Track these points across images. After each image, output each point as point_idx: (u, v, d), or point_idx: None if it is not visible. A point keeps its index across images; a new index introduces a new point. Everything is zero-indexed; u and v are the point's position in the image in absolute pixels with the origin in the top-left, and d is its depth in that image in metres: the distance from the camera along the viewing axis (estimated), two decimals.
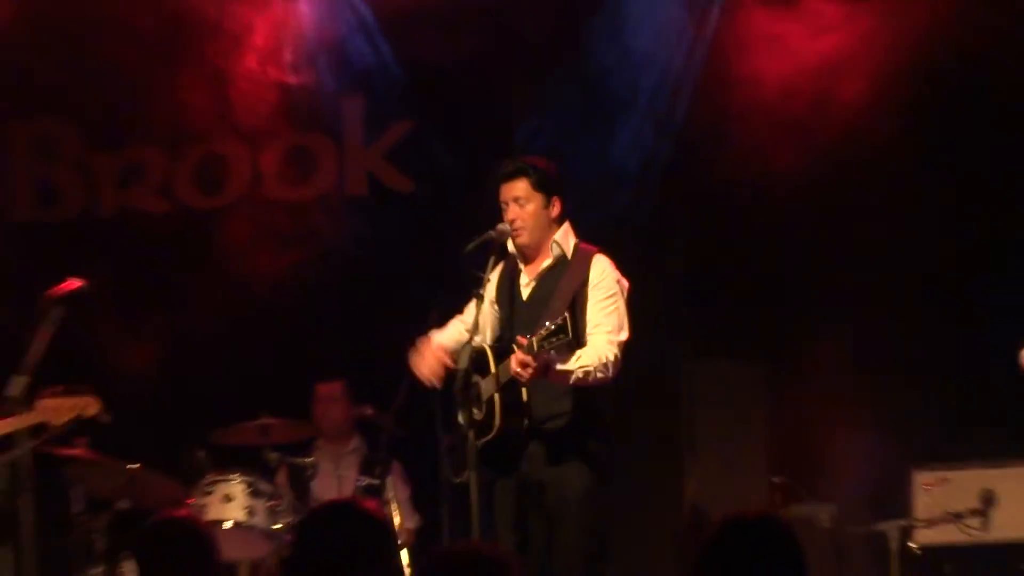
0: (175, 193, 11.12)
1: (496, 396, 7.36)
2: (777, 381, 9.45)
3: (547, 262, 7.60)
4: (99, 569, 8.77)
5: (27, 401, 7.69)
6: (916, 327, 9.23)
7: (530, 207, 7.51)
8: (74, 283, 7.96)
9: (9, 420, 7.77)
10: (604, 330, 7.38)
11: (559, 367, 7.12)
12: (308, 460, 9.45)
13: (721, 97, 9.89)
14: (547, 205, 7.54)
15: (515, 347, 7.17)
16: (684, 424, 9.33)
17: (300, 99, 10.71)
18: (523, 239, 7.57)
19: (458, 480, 7.45)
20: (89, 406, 7.83)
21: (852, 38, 9.46)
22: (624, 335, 7.44)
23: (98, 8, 10.36)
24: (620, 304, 7.48)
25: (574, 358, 7.23)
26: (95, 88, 10.81)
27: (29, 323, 7.86)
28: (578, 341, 7.32)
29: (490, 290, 7.71)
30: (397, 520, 9.05)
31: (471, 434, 7.48)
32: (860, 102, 9.38)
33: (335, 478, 9.58)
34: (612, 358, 7.32)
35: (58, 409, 7.73)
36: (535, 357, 6.96)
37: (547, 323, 6.97)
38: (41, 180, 11.21)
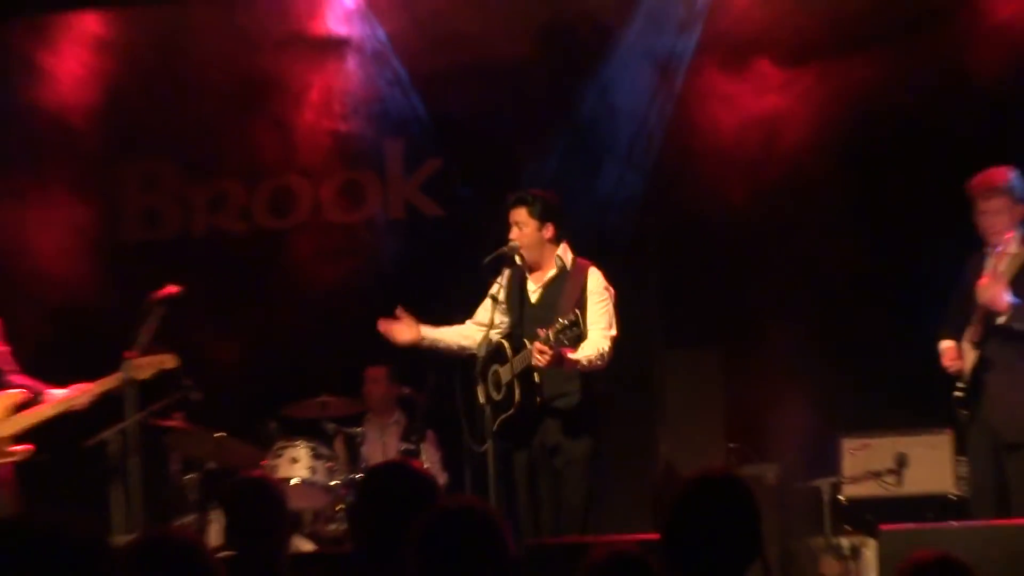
0: (253, 217, 11.18)
1: (514, 380, 7.48)
2: (731, 366, 9.50)
3: (551, 272, 7.70)
4: (192, 517, 8.85)
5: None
6: (844, 323, 9.30)
7: (527, 229, 7.65)
8: (172, 288, 8.12)
9: (105, 379, 8.03)
10: (599, 327, 7.50)
11: (570, 356, 7.25)
12: (358, 430, 9.55)
13: (686, 143, 9.96)
14: (540, 228, 7.64)
15: (536, 339, 7.27)
16: (658, 400, 9.36)
17: (350, 142, 10.76)
18: (522, 253, 7.71)
19: (480, 450, 7.57)
20: (167, 361, 8.13)
21: (792, 96, 9.55)
22: (614, 331, 7.57)
23: (192, 70, 10.48)
24: (610, 307, 7.60)
25: (585, 347, 7.38)
26: (189, 134, 10.89)
27: (137, 320, 8.04)
28: (582, 329, 7.50)
29: (501, 294, 7.79)
30: (431, 467, 9.02)
31: (488, 411, 7.61)
32: (798, 147, 9.47)
33: (380, 444, 9.62)
34: (606, 350, 7.47)
35: (142, 366, 7.96)
36: (551, 347, 7.09)
37: (560, 320, 7.10)
38: (146, 207, 11.27)
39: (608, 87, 10.27)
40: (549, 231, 7.78)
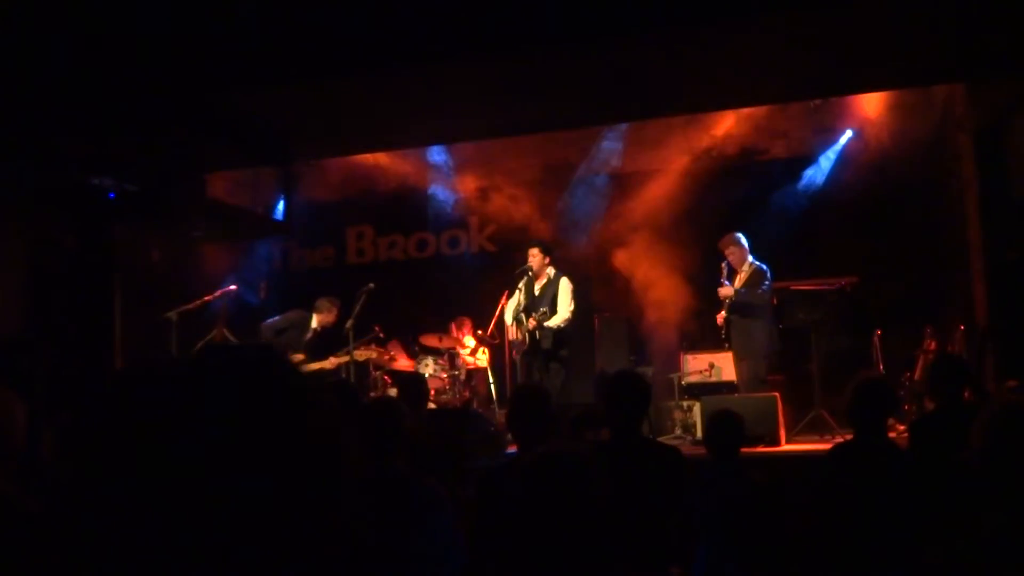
0: (408, 253, 11.21)
1: (527, 333, 7.90)
2: (630, 323, 9.46)
3: (545, 280, 8.03)
4: (377, 392, 9.04)
5: (349, 340, 8.24)
6: (684, 302, 9.25)
7: (536, 259, 8.01)
8: (370, 285, 8.49)
9: (343, 358, 8.42)
10: (564, 307, 7.83)
11: (546, 324, 7.65)
12: (455, 351, 9.62)
13: (615, 220, 10.05)
14: (543, 258, 8.07)
15: (532, 315, 7.75)
16: (595, 342, 9.22)
17: (452, 215, 10.96)
18: (534, 271, 8.09)
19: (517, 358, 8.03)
20: (371, 353, 8.57)
21: (643, 202, 9.76)
22: (572, 307, 7.86)
23: (376, 183, 10.64)
24: (570, 296, 7.89)
25: (553, 319, 7.75)
26: (376, 213, 11.07)
27: (354, 301, 8.34)
28: (555, 311, 7.92)
29: (523, 288, 8.11)
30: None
31: (517, 344, 8.07)
32: (651, 224, 9.58)
33: (463, 358, 9.55)
34: (567, 318, 7.81)
35: (361, 354, 8.41)
36: (537, 321, 7.56)
37: (542, 310, 7.58)
38: (358, 247, 11.37)
39: (572, 194, 10.40)
40: (547, 260, 8.26)
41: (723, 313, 8.09)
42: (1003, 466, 1.85)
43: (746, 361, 8.02)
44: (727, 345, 8.20)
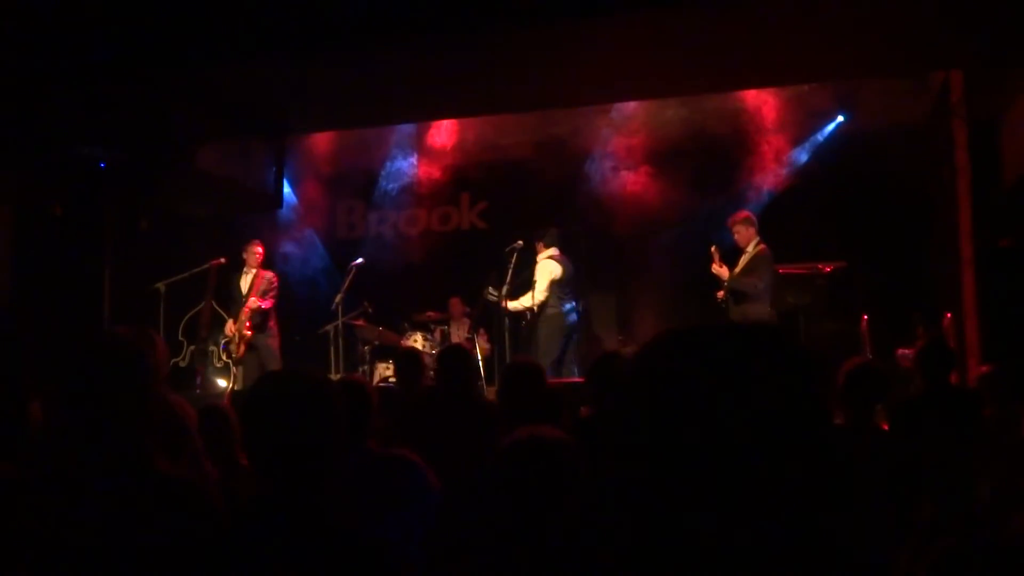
0: (398, 228, 11.14)
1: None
2: (619, 303, 9.56)
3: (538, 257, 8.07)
4: (365, 367, 9.23)
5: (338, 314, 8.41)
6: (669, 289, 9.27)
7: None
8: (359, 260, 8.60)
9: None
10: (539, 289, 7.87)
11: (509, 306, 7.83)
12: (446, 328, 9.80)
13: (606, 199, 9.87)
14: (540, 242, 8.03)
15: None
16: (589, 318, 9.22)
17: (445, 194, 10.86)
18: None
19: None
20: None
21: (642, 181, 9.67)
22: (546, 292, 7.97)
23: (361, 164, 10.73)
24: (547, 279, 7.94)
25: (519, 300, 7.86)
26: (362, 187, 11.09)
27: (343, 278, 8.36)
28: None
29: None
30: (481, 348, 8.96)
31: (507, 319, 8.07)
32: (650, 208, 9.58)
33: (458, 335, 9.69)
34: (541, 300, 7.86)
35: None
36: (497, 297, 7.79)
37: (500, 291, 7.94)
38: (349, 222, 11.38)
39: (562, 172, 10.02)
40: (542, 245, 8.28)
41: (722, 292, 7.93)
42: None
43: None
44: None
